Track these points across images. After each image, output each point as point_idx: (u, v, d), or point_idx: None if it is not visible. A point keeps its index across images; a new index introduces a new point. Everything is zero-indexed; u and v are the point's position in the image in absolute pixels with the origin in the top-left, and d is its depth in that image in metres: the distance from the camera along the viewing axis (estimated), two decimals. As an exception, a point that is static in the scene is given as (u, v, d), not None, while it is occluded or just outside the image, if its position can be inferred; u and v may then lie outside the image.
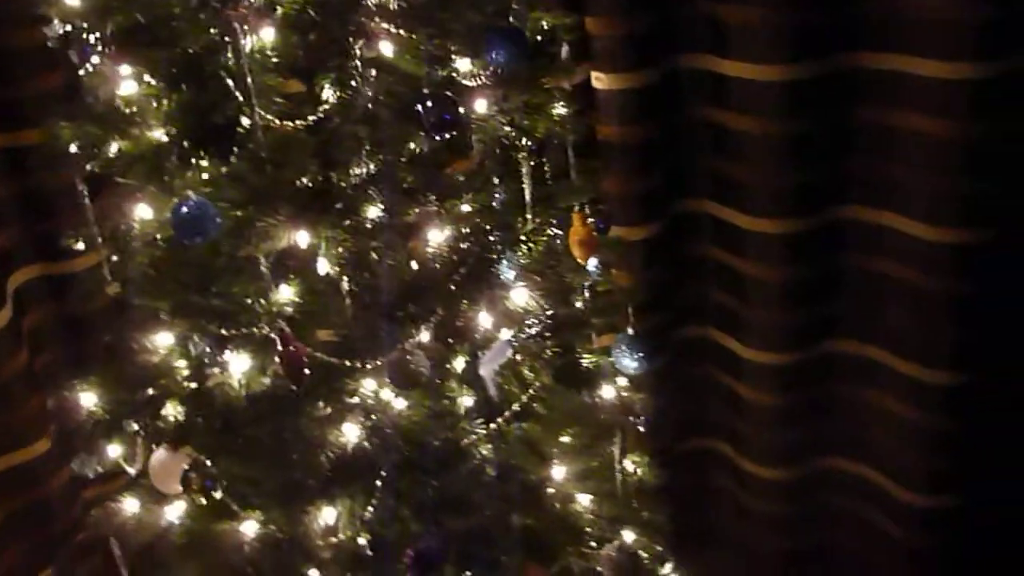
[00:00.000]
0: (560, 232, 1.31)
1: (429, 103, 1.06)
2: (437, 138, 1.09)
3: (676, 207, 1.68)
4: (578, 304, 1.34)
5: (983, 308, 1.54)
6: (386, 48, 1.05)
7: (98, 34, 1.07)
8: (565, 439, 1.34)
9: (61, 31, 1.09)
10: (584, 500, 1.34)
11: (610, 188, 1.64)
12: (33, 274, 1.74)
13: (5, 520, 1.74)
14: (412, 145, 1.13)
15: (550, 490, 1.32)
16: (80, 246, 1.33)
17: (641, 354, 1.40)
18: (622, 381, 1.54)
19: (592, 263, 1.43)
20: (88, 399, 1.28)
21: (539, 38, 1.28)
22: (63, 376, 1.39)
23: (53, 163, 1.35)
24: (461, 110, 1.08)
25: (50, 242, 1.62)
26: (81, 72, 1.11)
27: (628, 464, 1.53)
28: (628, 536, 1.43)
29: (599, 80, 1.57)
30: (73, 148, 1.18)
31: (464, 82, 1.14)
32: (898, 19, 1.42)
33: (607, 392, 1.36)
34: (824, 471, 1.84)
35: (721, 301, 1.75)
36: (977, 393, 1.59)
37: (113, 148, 1.15)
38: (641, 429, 1.64)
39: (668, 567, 1.45)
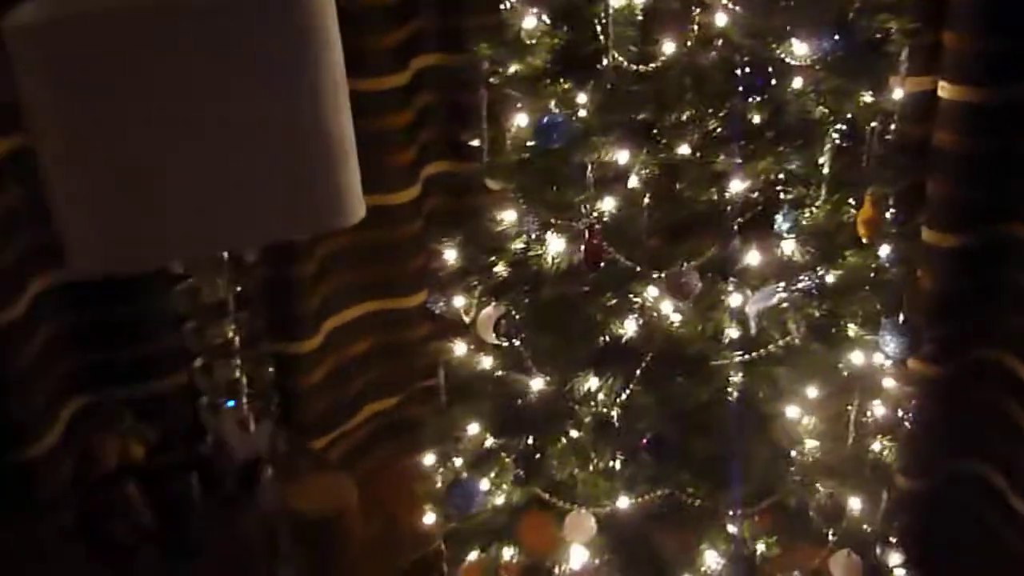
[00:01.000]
0: (854, 210, 1.49)
1: (747, 69, 1.31)
2: (749, 99, 1.33)
3: (995, 226, 1.74)
4: (851, 278, 1.50)
5: None
6: (720, 19, 1.31)
7: None
8: (809, 390, 1.52)
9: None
10: (811, 444, 1.52)
11: (935, 192, 1.75)
12: (442, 168, 2.25)
13: (377, 348, 2.28)
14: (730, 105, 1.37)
15: (781, 428, 1.52)
16: (475, 143, 1.75)
17: (905, 341, 1.54)
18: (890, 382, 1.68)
19: (885, 251, 1.58)
20: (451, 254, 1.71)
21: (877, 36, 1.45)
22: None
23: (471, 79, 1.77)
24: (774, 81, 1.32)
25: (456, 144, 2.10)
26: (501, 6, 1.50)
27: (875, 445, 1.67)
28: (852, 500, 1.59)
29: (944, 89, 1.68)
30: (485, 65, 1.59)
31: (788, 60, 1.37)
32: None
33: (858, 360, 1.52)
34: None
35: (1019, 329, 1.78)
36: None
37: (511, 68, 1.54)
38: (907, 427, 1.76)
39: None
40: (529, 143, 1.53)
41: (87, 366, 1.73)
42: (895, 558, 1.83)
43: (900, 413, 1.76)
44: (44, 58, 1.08)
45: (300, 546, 1.40)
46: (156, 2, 1.11)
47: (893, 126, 1.60)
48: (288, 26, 1.18)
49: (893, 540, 1.81)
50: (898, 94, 1.53)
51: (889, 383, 1.70)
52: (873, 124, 1.40)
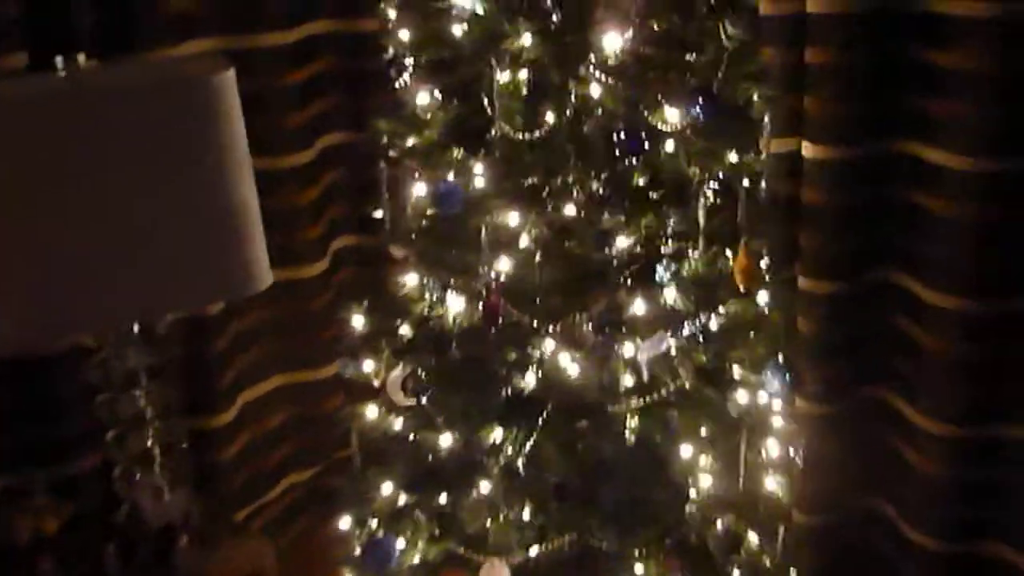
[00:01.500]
0: (731, 261, 1.62)
1: (623, 134, 1.44)
2: (626, 162, 1.46)
3: (865, 272, 1.90)
4: (733, 324, 1.62)
5: None
6: (596, 91, 1.44)
7: (411, 61, 1.57)
8: (701, 431, 1.62)
9: (388, 57, 1.60)
10: (707, 482, 1.62)
11: (807, 243, 1.90)
12: (350, 242, 2.33)
13: (292, 420, 2.32)
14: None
15: (678, 468, 1.62)
16: (378, 214, 1.85)
17: (787, 380, 1.66)
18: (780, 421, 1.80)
19: (763, 299, 1.72)
20: (358, 320, 1.78)
21: (741, 102, 1.61)
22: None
23: (371, 155, 1.87)
24: (647, 145, 1.45)
25: (362, 218, 2.20)
26: (396, 86, 1.61)
27: (769, 481, 1.78)
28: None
29: (807, 149, 1.85)
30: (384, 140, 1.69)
31: (661, 126, 1.50)
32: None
33: (742, 398, 1.63)
34: (982, 556, 1.93)
35: (899, 368, 1.93)
36: None
37: (409, 142, 1.65)
38: (799, 464, 1.88)
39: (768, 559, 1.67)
40: (428, 211, 1.63)
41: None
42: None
43: (791, 451, 1.88)
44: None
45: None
46: (64, 87, 1.18)
47: (764, 184, 1.75)
48: (192, 109, 1.26)
49: (794, 573, 1.92)
50: (764, 156, 1.69)
51: (779, 422, 1.82)
52: (744, 182, 1.53)
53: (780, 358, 1.68)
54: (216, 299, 1.62)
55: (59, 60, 1.32)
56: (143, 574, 1.40)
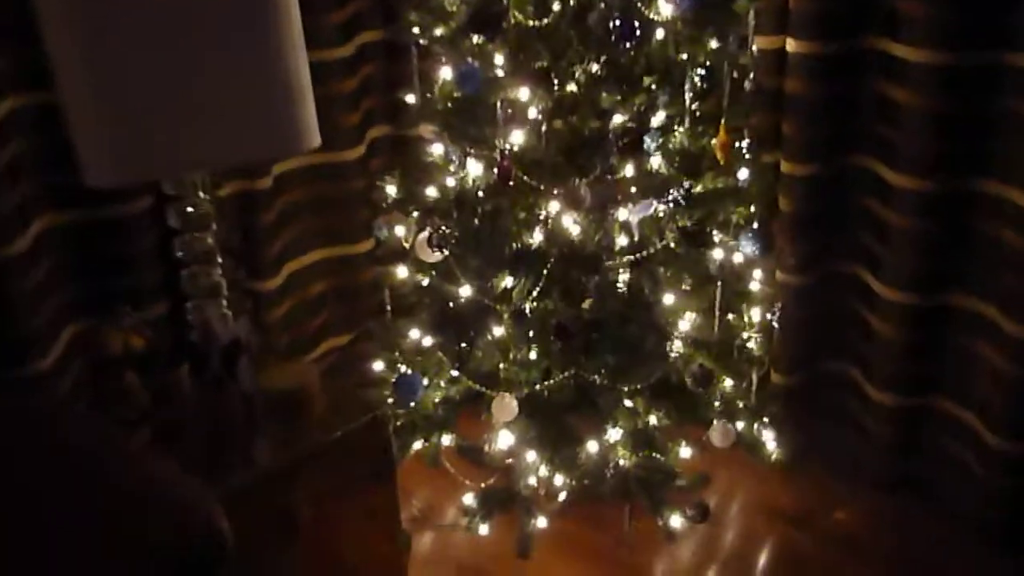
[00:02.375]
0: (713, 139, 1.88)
1: (618, 22, 1.69)
2: (621, 47, 1.72)
3: (840, 157, 2.15)
4: (712, 192, 1.89)
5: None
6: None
7: None
8: (682, 283, 1.91)
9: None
10: (684, 325, 1.91)
11: (789, 130, 2.15)
12: (384, 132, 2.60)
13: (331, 290, 2.62)
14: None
15: (662, 314, 1.90)
16: (410, 99, 2.11)
17: (759, 244, 1.93)
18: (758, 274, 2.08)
19: (743, 174, 1.98)
20: (391, 190, 2.07)
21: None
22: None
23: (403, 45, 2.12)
24: (639, 32, 1.70)
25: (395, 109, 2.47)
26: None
27: (745, 335, 2.06)
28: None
29: (791, 44, 2.08)
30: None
31: (653, 16, 1.75)
32: None
33: (718, 255, 1.91)
34: (931, 408, 2.21)
35: (868, 244, 2.18)
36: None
37: (436, 31, 1.91)
38: (775, 327, 2.16)
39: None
40: (452, 92, 1.90)
41: (85, 295, 2.05)
42: (768, 434, 2.23)
43: (768, 314, 2.17)
44: (69, 9, 1.42)
45: (272, 419, 1.74)
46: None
47: (752, 76, 2.00)
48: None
49: (766, 420, 2.21)
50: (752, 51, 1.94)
51: (756, 286, 2.10)
52: (733, 73, 1.78)
53: (756, 225, 1.95)
54: (275, 153, 1.88)
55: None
56: (212, 383, 1.71)
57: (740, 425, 2.19)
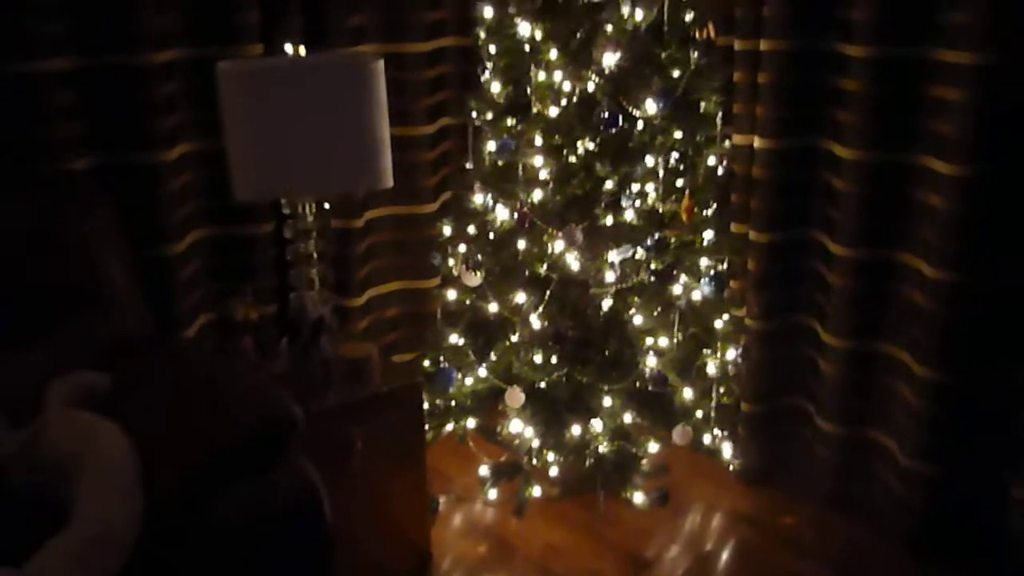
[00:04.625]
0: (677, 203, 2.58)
1: (606, 114, 2.44)
2: (610, 130, 2.46)
3: (795, 229, 2.81)
4: (679, 244, 2.59)
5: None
6: (591, 87, 2.46)
7: (490, 65, 2.63)
8: (651, 311, 2.60)
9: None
10: (649, 340, 2.59)
11: (756, 205, 2.83)
12: (450, 195, 3.40)
13: (403, 315, 3.40)
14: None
15: (634, 332, 2.59)
16: (468, 165, 2.90)
17: (714, 288, 2.61)
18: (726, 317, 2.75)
19: (708, 236, 2.67)
20: (447, 229, 2.84)
21: (694, 102, 2.58)
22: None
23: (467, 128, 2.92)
24: (620, 122, 2.45)
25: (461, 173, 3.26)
26: (482, 80, 2.67)
27: (710, 363, 2.72)
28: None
29: (757, 142, 2.79)
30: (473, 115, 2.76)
31: (634, 112, 2.50)
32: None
33: (677, 290, 2.60)
34: (864, 436, 2.79)
35: (817, 300, 2.82)
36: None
37: (487, 115, 2.70)
38: (740, 362, 2.81)
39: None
40: (493, 158, 2.68)
41: (216, 294, 2.87)
42: (726, 446, 2.86)
43: (734, 351, 2.82)
44: (238, 87, 2.26)
45: (342, 377, 2.49)
46: (291, 64, 2.28)
47: (725, 161, 2.72)
48: (360, 79, 2.32)
49: (724, 432, 2.85)
50: (726, 143, 2.66)
51: (720, 324, 2.77)
52: (707, 156, 2.50)
53: (714, 273, 2.63)
54: (363, 188, 2.67)
55: (287, 48, 2.44)
56: (302, 348, 2.47)
57: (706, 438, 2.83)
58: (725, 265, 2.80)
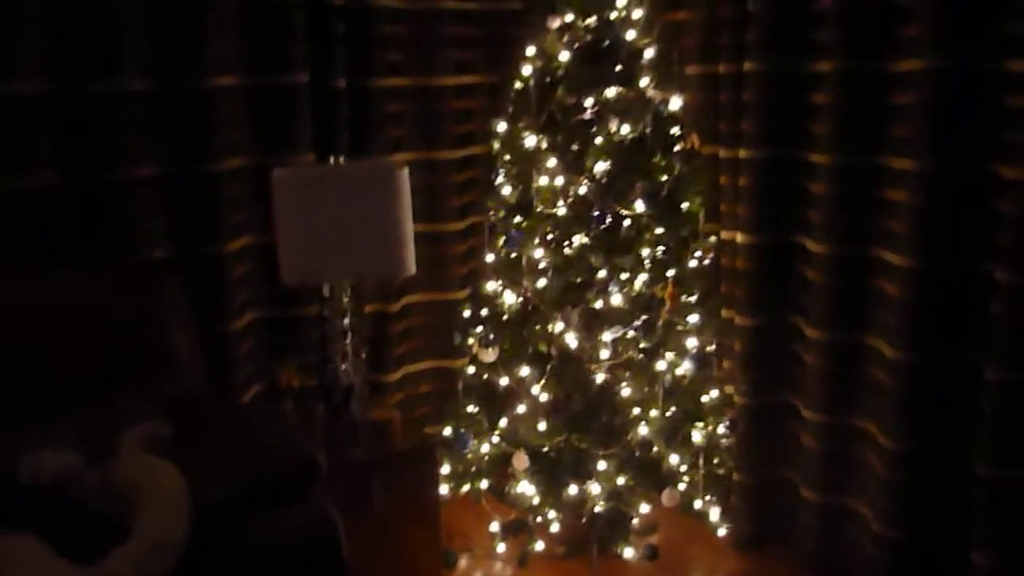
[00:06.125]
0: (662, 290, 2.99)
1: (596, 213, 2.89)
2: (600, 226, 2.91)
3: (774, 313, 3.19)
4: (665, 326, 2.98)
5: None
6: (583, 189, 2.92)
7: (504, 171, 3.12)
8: (640, 385, 2.99)
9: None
10: (636, 410, 2.97)
11: (738, 293, 3.22)
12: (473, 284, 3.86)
13: (434, 391, 3.83)
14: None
15: (625, 402, 2.98)
16: (489, 258, 3.37)
17: (695, 365, 3.00)
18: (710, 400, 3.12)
19: (693, 318, 3.07)
20: (465, 313, 3.29)
21: (676, 203, 3.01)
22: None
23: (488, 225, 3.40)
24: (609, 220, 2.89)
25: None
26: (496, 183, 3.16)
27: (694, 432, 3.08)
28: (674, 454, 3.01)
29: (739, 237, 3.19)
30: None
31: (622, 211, 2.94)
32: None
33: (662, 366, 2.99)
34: (843, 505, 3.10)
35: (796, 377, 3.17)
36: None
37: (500, 214, 3.18)
38: (728, 433, 3.17)
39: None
40: (504, 250, 3.14)
41: (266, 365, 3.35)
42: (714, 511, 3.19)
43: (723, 426, 3.18)
44: (289, 189, 2.77)
45: (370, 438, 2.92)
46: (331, 171, 2.79)
47: (711, 255, 3.13)
48: (389, 183, 2.82)
49: (714, 498, 3.18)
50: (710, 239, 3.08)
51: (710, 401, 3.14)
52: (693, 249, 2.93)
53: (697, 352, 3.02)
54: (389, 274, 3.14)
55: (332, 158, 2.97)
56: (334, 412, 2.91)
57: (697, 503, 3.17)
58: (714, 346, 3.17)
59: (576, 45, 2.98)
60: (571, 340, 3.02)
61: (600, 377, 3.04)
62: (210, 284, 3.07)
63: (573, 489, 3.06)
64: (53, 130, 2.70)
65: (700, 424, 3.12)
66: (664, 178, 3.00)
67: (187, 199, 3.00)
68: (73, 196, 2.78)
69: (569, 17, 3.01)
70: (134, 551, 2.13)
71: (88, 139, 2.77)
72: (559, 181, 2.99)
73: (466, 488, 3.29)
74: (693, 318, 3.07)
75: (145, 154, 2.89)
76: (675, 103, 3.03)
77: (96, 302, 2.74)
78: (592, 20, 2.98)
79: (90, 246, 2.83)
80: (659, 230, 2.95)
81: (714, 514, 3.19)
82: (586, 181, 2.94)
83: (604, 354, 3.01)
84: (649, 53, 3.01)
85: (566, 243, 2.99)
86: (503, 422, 3.14)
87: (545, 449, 3.08)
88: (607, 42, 2.93)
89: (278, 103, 3.14)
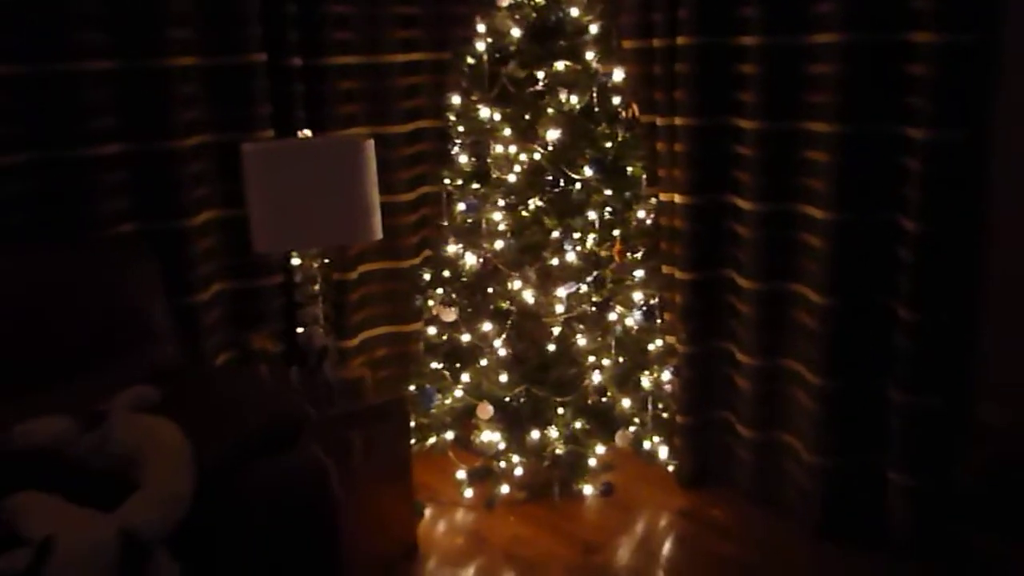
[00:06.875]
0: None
1: (550, 177, 3.13)
2: (553, 190, 3.15)
3: (711, 269, 3.48)
4: (614, 280, 3.25)
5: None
6: (536, 156, 3.15)
7: (459, 142, 3.34)
8: (594, 337, 3.25)
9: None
10: (592, 360, 3.23)
11: (678, 251, 3.50)
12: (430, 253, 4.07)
13: (391, 355, 4.03)
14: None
15: (578, 353, 3.24)
16: (444, 222, 3.58)
17: (644, 317, 3.27)
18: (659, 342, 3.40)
19: (639, 273, 3.34)
20: (427, 276, 3.50)
21: (621, 168, 3.27)
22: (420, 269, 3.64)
23: (441, 194, 3.61)
24: (563, 182, 3.13)
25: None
26: (453, 154, 3.37)
27: (644, 377, 3.36)
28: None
29: (677, 198, 3.47)
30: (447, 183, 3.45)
31: (574, 175, 3.18)
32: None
33: (613, 317, 3.25)
34: (777, 439, 3.42)
35: (731, 326, 3.48)
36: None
37: (458, 182, 3.39)
38: (674, 380, 3.45)
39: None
40: (462, 216, 3.35)
41: (235, 335, 3.50)
42: (663, 450, 3.48)
43: (668, 372, 3.46)
44: (260, 163, 2.93)
45: (343, 395, 3.11)
46: (300, 145, 2.97)
47: (652, 216, 3.40)
48: (354, 156, 3.01)
49: (661, 439, 3.47)
50: (652, 200, 3.35)
51: (655, 350, 3.41)
52: (636, 210, 3.19)
53: (644, 305, 3.29)
54: (358, 240, 3.33)
55: (299, 133, 3.14)
56: (309, 372, 3.10)
57: (646, 444, 3.45)
58: (657, 299, 3.45)
59: (526, 22, 3.20)
60: (529, 297, 3.26)
61: (556, 330, 3.28)
62: (176, 258, 3.20)
63: (535, 435, 3.31)
64: (18, 109, 2.81)
65: (647, 371, 3.39)
66: (609, 145, 3.25)
67: (150, 176, 3.12)
68: (39, 174, 2.90)
69: (517, -4, 3.24)
70: (151, 497, 2.28)
71: (53, 118, 2.89)
72: (513, 149, 3.22)
73: (432, 441, 3.51)
74: (638, 273, 3.34)
75: (108, 132, 3.01)
76: (617, 75, 3.28)
77: (75, 276, 2.86)
78: (539, -1, 3.22)
79: (56, 224, 2.95)
80: (607, 193, 3.21)
81: (662, 453, 3.48)
82: (539, 149, 3.17)
83: (559, 309, 3.26)
84: (593, 29, 3.25)
85: (521, 207, 3.23)
86: (466, 377, 3.36)
87: (507, 399, 3.32)
88: (554, 19, 3.16)
89: (236, 82, 3.29)
